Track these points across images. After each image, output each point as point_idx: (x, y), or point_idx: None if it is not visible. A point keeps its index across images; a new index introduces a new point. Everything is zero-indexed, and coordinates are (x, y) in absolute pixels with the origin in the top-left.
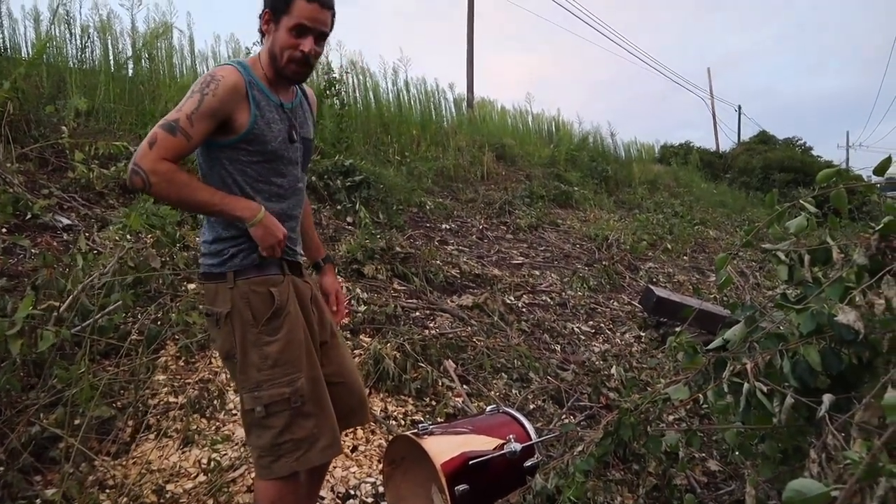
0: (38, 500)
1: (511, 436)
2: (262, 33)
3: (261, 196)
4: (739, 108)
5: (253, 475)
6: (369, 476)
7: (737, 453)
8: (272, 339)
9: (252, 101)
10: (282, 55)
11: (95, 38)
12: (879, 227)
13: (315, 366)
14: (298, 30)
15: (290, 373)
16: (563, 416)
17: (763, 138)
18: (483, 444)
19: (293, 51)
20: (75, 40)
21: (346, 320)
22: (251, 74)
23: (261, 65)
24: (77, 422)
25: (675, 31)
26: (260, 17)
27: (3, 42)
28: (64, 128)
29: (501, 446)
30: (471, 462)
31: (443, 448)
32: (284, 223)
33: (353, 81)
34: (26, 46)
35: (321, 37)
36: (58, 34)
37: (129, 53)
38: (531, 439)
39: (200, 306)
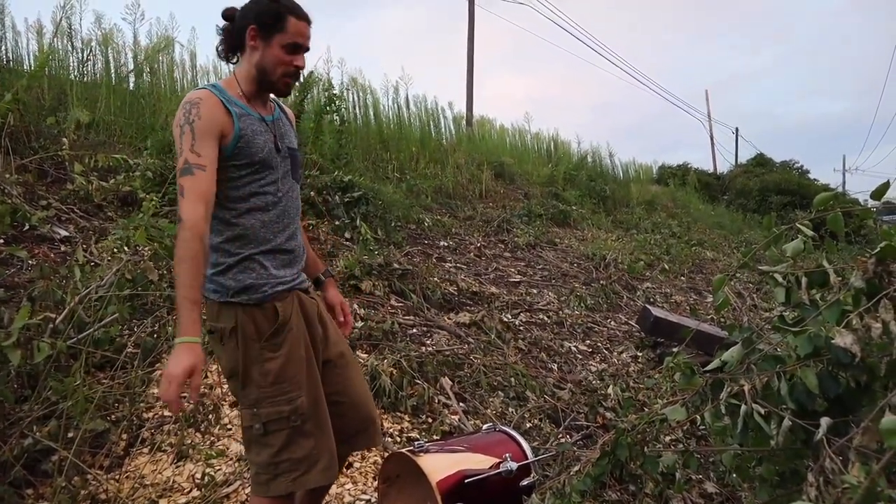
0: None
1: (507, 454)
2: (232, 49)
3: (255, 209)
4: (737, 130)
5: (247, 491)
6: (364, 493)
7: (734, 475)
8: (273, 355)
9: (233, 115)
10: (275, 70)
11: (97, 51)
12: (876, 251)
13: (317, 385)
14: (292, 47)
15: (289, 391)
16: (560, 436)
17: (760, 161)
18: (479, 462)
19: (287, 66)
20: (77, 53)
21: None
22: (226, 95)
23: (237, 83)
24: (70, 434)
25: (674, 53)
26: (237, 32)
27: (6, 54)
28: (64, 139)
29: (498, 465)
30: (467, 480)
31: (439, 466)
32: (284, 231)
33: (353, 98)
34: (29, 59)
35: (306, 51)
36: (60, 47)
37: (131, 67)
38: (527, 458)
39: (205, 324)
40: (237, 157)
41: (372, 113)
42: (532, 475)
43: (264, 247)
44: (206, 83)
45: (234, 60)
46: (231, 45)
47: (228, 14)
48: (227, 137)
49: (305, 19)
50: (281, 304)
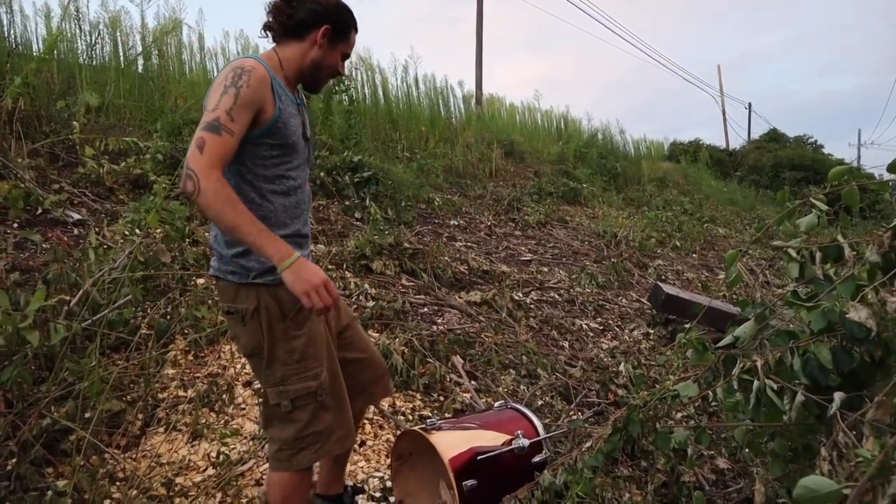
0: (49, 492)
1: (519, 431)
2: (287, 32)
3: (278, 192)
4: (750, 105)
5: (261, 468)
6: (377, 471)
7: (746, 451)
8: (298, 332)
9: (275, 93)
10: (327, 70)
11: (105, 34)
12: (893, 224)
13: (333, 358)
14: (345, 56)
15: (315, 366)
16: (572, 413)
17: (773, 136)
18: (491, 439)
19: (335, 72)
20: (85, 37)
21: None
22: (270, 70)
23: (280, 65)
24: (88, 415)
25: (687, 30)
26: (301, 21)
27: (15, 39)
28: (75, 123)
29: (510, 442)
30: (479, 457)
31: (451, 443)
32: (300, 217)
33: (361, 78)
34: (37, 43)
35: None
36: (68, 31)
37: (139, 50)
38: (539, 435)
39: (222, 304)
40: (273, 136)
41: (381, 93)
42: (544, 452)
43: (284, 231)
44: (249, 55)
45: (277, 40)
46: (286, 27)
47: None
48: (265, 114)
49: (357, 29)
50: None
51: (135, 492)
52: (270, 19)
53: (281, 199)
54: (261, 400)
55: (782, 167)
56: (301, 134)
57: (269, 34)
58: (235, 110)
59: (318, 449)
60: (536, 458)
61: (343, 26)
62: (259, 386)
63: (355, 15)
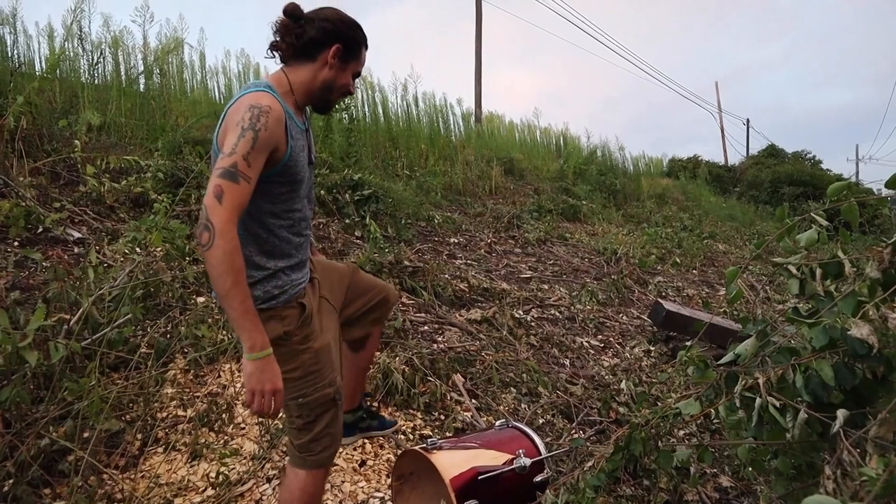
0: None
1: (521, 450)
2: (297, 53)
3: (284, 227)
4: (748, 121)
5: (261, 489)
6: (377, 491)
7: (749, 469)
8: (304, 347)
9: (288, 130)
10: (338, 92)
11: (107, 53)
12: (893, 240)
13: (338, 361)
14: (356, 75)
15: (329, 374)
16: (573, 431)
17: (772, 152)
18: (492, 458)
19: (346, 90)
20: (88, 56)
21: None
22: (285, 105)
23: (290, 88)
24: (86, 435)
25: (684, 45)
26: (311, 41)
27: (18, 58)
28: (76, 142)
29: (511, 461)
30: (480, 477)
31: (452, 462)
32: (303, 245)
33: (361, 96)
34: (40, 62)
35: None
36: (71, 50)
37: (141, 69)
38: (541, 454)
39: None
40: (283, 175)
41: (381, 111)
42: (546, 471)
43: (289, 261)
44: (260, 82)
45: (285, 61)
46: (296, 48)
47: (294, 12)
48: (278, 153)
49: (367, 49)
50: (303, 299)
51: None
52: (278, 39)
53: (286, 232)
54: (261, 420)
55: (781, 183)
56: (307, 161)
57: (277, 54)
58: (252, 155)
59: (333, 451)
60: (538, 478)
61: (354, 44)
62: None
63: (364, 31)
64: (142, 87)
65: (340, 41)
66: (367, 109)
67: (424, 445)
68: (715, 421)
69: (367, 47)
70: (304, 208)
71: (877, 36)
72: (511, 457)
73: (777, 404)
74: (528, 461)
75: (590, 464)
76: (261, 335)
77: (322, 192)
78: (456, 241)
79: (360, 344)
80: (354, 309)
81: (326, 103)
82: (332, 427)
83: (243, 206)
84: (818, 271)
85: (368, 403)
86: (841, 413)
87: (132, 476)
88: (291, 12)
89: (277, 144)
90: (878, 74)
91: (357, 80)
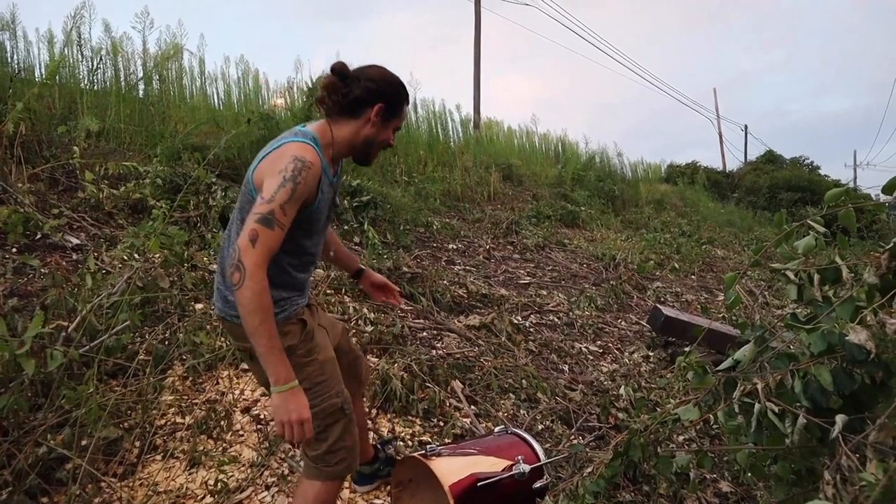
0: None
1: (520, 457)
2: (342, 110)
3: (296, 265)
4: (746, 127)
5: (260, 496)
6: (377, 498)
7: (749, 475)
8: (308, 359)
9: (320, 185)
10: (378, 147)
11: (107, 59)
12: (890, 245)
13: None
14: (396, 130)
15: (335, 384)
16: (573, 437)
17: (770, 157)
18: (492, 465)
19: (387, 144)
20: (87, 62)
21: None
22: (323, 161)
23: (332, 140)
24: (84, 442)
25: (682, 53)
26: (356, 99)
27: (18, 64)
28: (75, 148)
29: (510, 467)
30: (479, 483)
31: (451, 469)
32: (310, 278)
33: None
34: (39, 68)
35: None
36: (70, 56)
37: (140, 75)
38: (540, 460)
39: (233, 342)
40: (302, 221)
41: None
42: (545, 477)
43: (292, 293)
44: (306, 132)
45: (329, 116)
46: (341, 105)
47: (341, 71)
48: (306, 204)
49: (409, 105)
50: (303, 316)
51: None
52: (324, 95)
53: (294, 271)
54: (259, 427)
55: (779, 188)
56: (328, 208)
57: (322, 108)
58: (289, 205)
59: (350, 463)
60: (537, 484)
61: (396, 103)
62: (258, 412)
63: (406, 88)
64: (141, 93)
65: (384, 100)
66: None
67: (423, 452)
68: (714, 426)
69: (408, 103)
70: (315, 245)
71: (875, 43)
72: (510, 463)
73: (776, 410)
74: (527, 467)
75: (589, 469)
76: (286, 369)
77: None
78: (454, 246)
79: None
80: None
81: (366, 157)
82: (346, 439)
83: (274, 250)
84: (816, 277)
85: (386, 452)
86: (840, 418)
87: (130, 484)
88: (339, 71)
89: (308, 198)
90: (876, 81)
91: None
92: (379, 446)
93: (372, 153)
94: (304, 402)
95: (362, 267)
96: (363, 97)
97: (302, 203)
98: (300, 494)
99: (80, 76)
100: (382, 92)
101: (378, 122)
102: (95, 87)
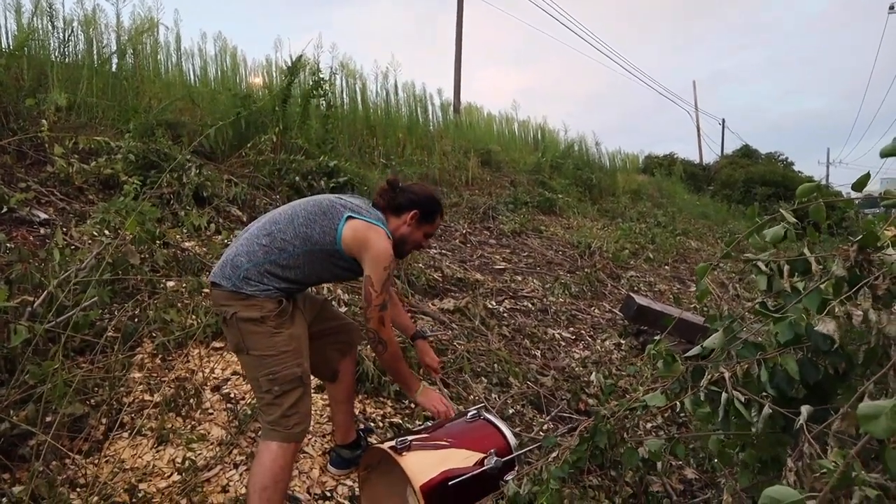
0: (3, 499)
1: (492, 450)
2: (389, 208)
3: (307, 285)
4: (723, 121)
5: (228, 475)
6: (347, 478)
7: (715, 461)
8: (279, 330)
9: None
10: (411, 244)
11: (79, 31)
12: (858, 238)
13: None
14: (430, 235)
15: (299, 357)
16: (545, 425)
17: (746, 152)
18: (464, 459)
19: (418, 244)
20: (58, 33)
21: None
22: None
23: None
24: (49, 419)
25: (661, 50)
26: (400, 203)
27: None
28: (44, 121)
29: (482, 461)
30: (450, 482)
31: (422, 467)
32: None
33: (341, 83)
34: (7, 38)
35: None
36: (41, 27)
37: (114, 48)
38: (512, 452)
39: (213, 306)
40: (329, 274)
41: (360, 98)
42: (516, 469)
43: (287, 292)
44: (383, 223)
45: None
46: (389, 205)
47: (392, 183)
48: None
49: (444, 216)
50: (282, 297)
51: (96, 499)
52: (377, 196)
53: (303, 285)
54: (229, 406)
55: (754, 183)
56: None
57: (380, 207)
58: (386, 288)
59: (304, 428)
60: (508, 477)
61: (430, 214)
62: (227, 391)
63: (443, 204)
64: (114, 67)
65: (418, 209)
66: (346, 97)
67: (394, 444)
68: (682, 414)
69: (442, 216)
70: (315, 284)
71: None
72: (482, 456)
73: (742, 399)
74: (499, 461)
75: (554, 454)
76: (417, 382)
77: (297, 178)
78: None
79: (333, 375)
80: (318, 328)
81: (400, 251)
82: (300, 406)
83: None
84: (786, 268)
85: (369, 442)
86: (805, 408)
87: (96, 461)
88: (391, 182)
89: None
90: (850, 83)
91: (327, 69)
92: (361, 433)
93: (405, 250)
94: (437, 394)
95: (418, 333)
96: (404, 203)
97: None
98: (258, 459)
99: (51, 48)
100: (419, 202)
101: (412, 224)
102: (67, 60)
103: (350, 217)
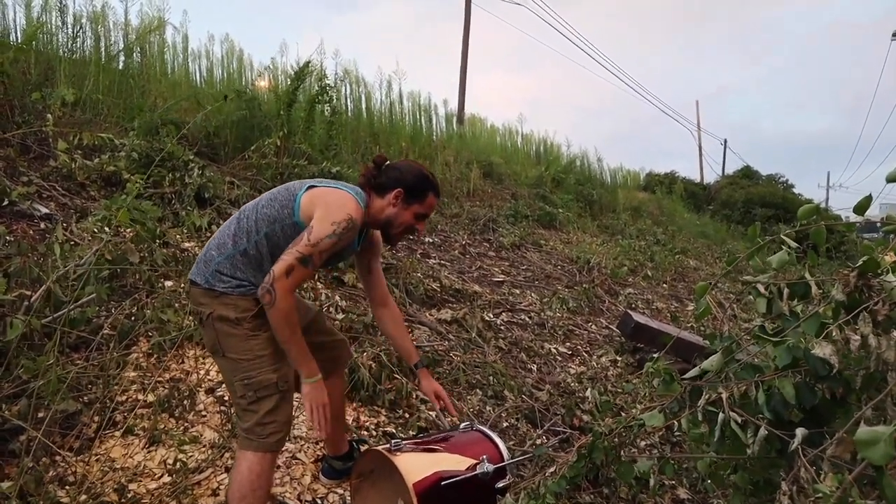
0: None
1: (484, 456)
2: (375, 188)
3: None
4: (725, 141)
5: (219, 478)
6: (338, 487)
7: (708, 482)
8: (255, 333)
9: (348, 246)
10: (399, 227)
11: (87, 28)
12: (859, 264)
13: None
14: (422, 216)
15: (276, 362)
16: (537, 438)
17: (747, 173)
18: (456, 463)
19: (409, 229)
20: (67, 29)
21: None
22: (362, 223)
23: (368, 211)
24: (41, 415)
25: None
26: (385, 182)
27: None
28: (49, 116)
29: (474, 466)
30: (443, 482)
31: (415, 467)
32: None
33: (345, 90)
34: (16, 32)
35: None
36: (49, 22)
37: (121, 46)
38: (504, 460)
39: (191, 305)
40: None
41: (364, 106)
42: (508, 477)
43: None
44: (360, 193)
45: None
46: (374, 185)
47: (377, 162)
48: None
49: (439, 196)
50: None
51: (84, 497)
52: (361, 178)
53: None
54: (222, 406)
55: (754, 204)
56: (335, 260)
57: (366, 190)
58: (326, 252)
59: (282, 437)
60: (500, 484)
61: (418, 192)
62: (221, 393)
63: (436, 181)
64: (121, 64)
65: (402, 186)
66: (350, 103)
67: (388, 446)
68: (676, 434)
69: (435, 194)
70: None
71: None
72: (475, 462)
73: (739, 420)
74: (491, 467)
75: (552, 469)
76: (313, 366)
77: None
78: (431, 240)
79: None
80: (306, 341)
81: (388, 236)
82: (277, 414)
83: (302, 283)
84: (785, 291)
85: (360, 452)
86: (800, 431)
87: (86, 459)
88: (376, 161)
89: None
90: (851, 104)
91: (332, 75)
92: (354, 444)
93: (393, 234)
94: (325, 391)
95: (420, 362)
96: (387, 183)
97: None
98: (235, 466)
99: (59, 43)
100: (403, 180)
101: (398, 205)
102: (74, 56)
103: (311, 187)
